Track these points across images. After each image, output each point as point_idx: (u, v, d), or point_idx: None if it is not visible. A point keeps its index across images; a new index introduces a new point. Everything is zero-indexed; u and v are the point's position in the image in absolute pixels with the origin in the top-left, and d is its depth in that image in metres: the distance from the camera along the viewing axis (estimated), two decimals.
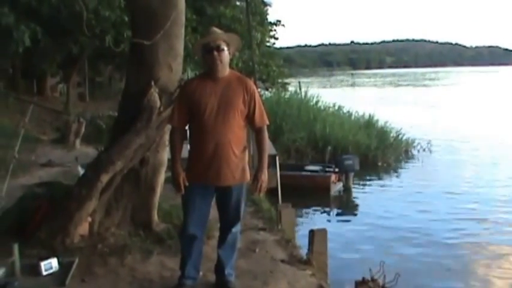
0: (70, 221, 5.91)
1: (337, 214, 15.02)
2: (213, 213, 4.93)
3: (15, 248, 5.19)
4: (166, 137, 5.99)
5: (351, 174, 16.76)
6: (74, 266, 5.35)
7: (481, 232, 12.20)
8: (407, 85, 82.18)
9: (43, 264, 5.21)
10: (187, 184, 4.55)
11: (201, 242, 4.91)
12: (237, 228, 4.89)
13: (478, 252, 10.95)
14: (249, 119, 4.63)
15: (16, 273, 5.16)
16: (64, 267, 5.32)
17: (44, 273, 5.20)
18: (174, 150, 4.67)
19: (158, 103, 6.06)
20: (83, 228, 6.08)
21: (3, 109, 19.29)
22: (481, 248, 11.21)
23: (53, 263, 5.29)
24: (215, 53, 4.46)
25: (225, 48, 4.52)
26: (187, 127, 4.74)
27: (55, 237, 5.87)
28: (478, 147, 23.37)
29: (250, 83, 4.69)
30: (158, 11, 6.05)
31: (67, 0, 16.54)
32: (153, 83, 6.08)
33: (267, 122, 4.73)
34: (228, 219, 4.82)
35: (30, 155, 12.74)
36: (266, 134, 4.75)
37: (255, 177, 4.63)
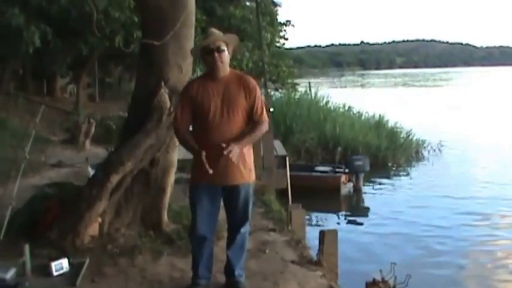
0: (80, 222, 5.94)
1: (347, 215, 14.96)
2: (223, 214, 4.92)
3: (26, 248, 5.21)
4: None
5: (361, 175, 16.68)
6: (85, 267, 5.36)
7: (493, 234, 12.10)
8: (419, 86, 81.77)
9: (54, 265, 5.23)
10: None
11: (211, 243, 4.90)
12: (245, 229, 4.87)
13: (491, 255, 10.85)
14: (249, 114, 4.63)
15: (27, 274, 5.19)
16: (75, 268, 5.34)
17: (55, 273, 5.22)
18: (188, 140, 4.59)
19: (168, 104, 6.06)
20: (93, 229, 6.09)
21: (13, 110, 19.35)
22: (494, 251, 11.12)
23: (64, 263, 5.31)
24: (216, 54, 4.49)
25: (225, 49, 4.55)
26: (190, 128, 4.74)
27: (65, 237, 5.90)
28: (489, 148, 23.20)
29: (251, 79, 4.71)
30: (168, 11, 6.06)
31: (77, 1, 16.61)
32: (163, 84, 6.09)
33: (267, 119, 4.74)
34: (236, 220, 4.81)
35: (40, 155, 12.78)
36: (262, 127, 4.67)
37: (228, 145, 4.37)
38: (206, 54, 4.54)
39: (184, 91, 4.78)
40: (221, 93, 4.53)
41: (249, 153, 4.67)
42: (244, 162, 4.61)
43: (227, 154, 4.32)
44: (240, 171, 4.59)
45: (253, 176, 4.74)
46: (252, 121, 4.66)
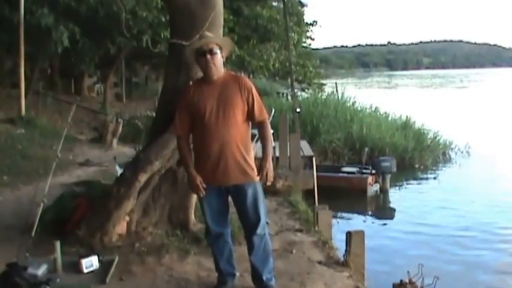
0: (108, 220, 5.98)
1: (374, 216, 14.91)
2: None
3: (57, 245, 5.27)
4: None
5: (388, 176, 16.61)
6: (114, 265, 5.41)
7: None
8: (448, 87, 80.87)
9: (84, 262, 5.29)
10: (204, 186, 4.58)
11: (228, 238, 4.92)
12: (263, 230, 4.76)
13: None
14: (249, 114, 4.64)
15: (58, 270, 5.26)
16: (104, 265, 5.39)
17: (85, 270, 5.28)
18: (185, 155, 4.72)
19: None
20: (121, 227, 6.13)
21: (42, 109, 19.57)
22: None
23: (93, 260, 5.36)
24: (208, 56, 4.53)
25: (218, 52, 4.58)
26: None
27: (94, 235, 5.95)
28: None
29: (246, 79, 4.75)
30: (197, 11, 6.07)
31: (105, 1, 16.77)
32: (191, 83, 6.10)
33: (267, 116, 4.78)
34: (250, 221, 4.73)
35: (68, 154, 12.91)
36: (268, 127, 4.77)
37: (260, 167, 4.64)
38: (199, 56, 4.58)
39: (182, 97, 4.80)
40: (216, 95, 4.55)
41: (248, 151, 4.66)
42: (245, 161, 4.59)
43: (265, 176, 4.60)
44: (241, 171, 4.58)
45: (255, 174, 4.68)
46: (254, 123, 4.71)
